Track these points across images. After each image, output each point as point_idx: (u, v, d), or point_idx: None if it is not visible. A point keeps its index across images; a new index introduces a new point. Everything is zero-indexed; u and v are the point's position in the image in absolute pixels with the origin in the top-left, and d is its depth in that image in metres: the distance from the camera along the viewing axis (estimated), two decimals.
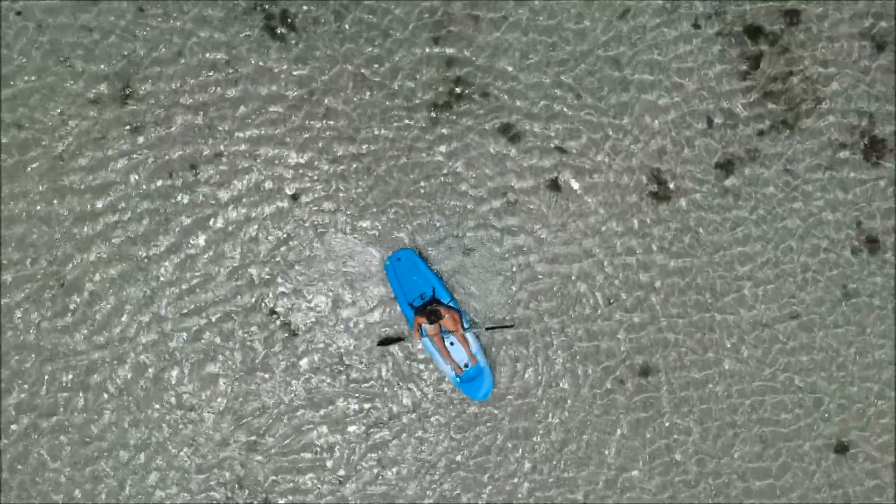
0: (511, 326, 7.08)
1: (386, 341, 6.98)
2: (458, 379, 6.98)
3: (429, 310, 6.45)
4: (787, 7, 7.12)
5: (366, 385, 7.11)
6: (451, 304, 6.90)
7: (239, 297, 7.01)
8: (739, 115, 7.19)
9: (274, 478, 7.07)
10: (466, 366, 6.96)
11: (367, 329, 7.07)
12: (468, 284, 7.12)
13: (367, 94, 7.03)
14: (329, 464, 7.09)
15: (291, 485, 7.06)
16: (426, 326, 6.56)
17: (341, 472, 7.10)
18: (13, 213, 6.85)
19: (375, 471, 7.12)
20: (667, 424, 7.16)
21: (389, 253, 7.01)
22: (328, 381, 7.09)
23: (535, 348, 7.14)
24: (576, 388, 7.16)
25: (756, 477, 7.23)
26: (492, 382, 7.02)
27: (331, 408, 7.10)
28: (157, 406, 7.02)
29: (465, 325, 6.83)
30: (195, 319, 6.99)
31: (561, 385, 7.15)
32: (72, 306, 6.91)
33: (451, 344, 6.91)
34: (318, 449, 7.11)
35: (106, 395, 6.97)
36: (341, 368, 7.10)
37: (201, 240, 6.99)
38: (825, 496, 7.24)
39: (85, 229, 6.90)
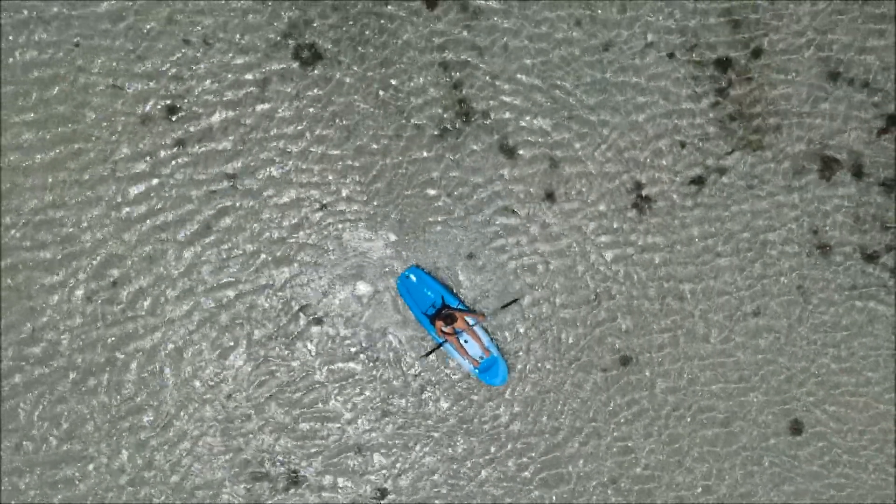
0: (517, 300, 8.12)
1: (427, 353, 8.08)
2: (476, 371, 8.05)
3: (443, 314, 7.54)
4: (752, 43, 8.14)
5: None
6: (459, 307, 7.94)
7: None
8: (709, 134, 8.21)
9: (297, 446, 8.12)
10: (482, 358, 8.01)
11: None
12: (475, 279, 8.15)
13: (381, 111, 8.02)
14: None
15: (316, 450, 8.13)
16: (444, 329, 7.62)
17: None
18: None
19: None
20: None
21: (398, 274, 8.04)
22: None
23: (536, 329, 8.20)
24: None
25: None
26: (506, 369, 8.09)
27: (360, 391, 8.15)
28: (199, 385, 8.05)
29: (472, 322, 7.87)
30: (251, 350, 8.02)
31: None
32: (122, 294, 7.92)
33: (466, 342, 7.95)
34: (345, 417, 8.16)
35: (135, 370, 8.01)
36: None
37: (247, 246, 8.00)
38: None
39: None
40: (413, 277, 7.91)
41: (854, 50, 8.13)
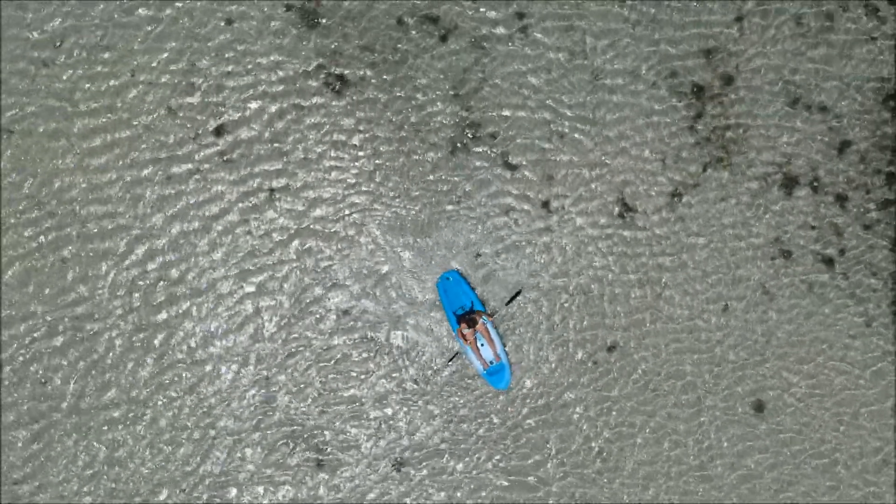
0: (520, 292, 9.04)
1: (452, 357, 9.05)
2: (485, 373, 9.01)
3: (468, 318, 8.60)
4: (724, 71, 9.19)
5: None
6: (482, 310, 8.94)
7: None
8: (686, 155, 9.25)
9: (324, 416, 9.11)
10: (492, 362, 8.93)
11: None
12: (481, 276, 9.18)
13: (401, 132, 9.05)
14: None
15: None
16: (466, 331, 8.65)
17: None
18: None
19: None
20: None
21: (440, 272, 9.06)
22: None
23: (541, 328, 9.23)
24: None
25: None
26: (510, 376, 9.05)
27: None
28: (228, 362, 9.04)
29: (485, 320, 8.82)
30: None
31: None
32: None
33: (482, 345, 8.88)
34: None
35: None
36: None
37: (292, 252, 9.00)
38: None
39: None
40: (451, 279, 8.94)
41: (813, 79, 9.19)
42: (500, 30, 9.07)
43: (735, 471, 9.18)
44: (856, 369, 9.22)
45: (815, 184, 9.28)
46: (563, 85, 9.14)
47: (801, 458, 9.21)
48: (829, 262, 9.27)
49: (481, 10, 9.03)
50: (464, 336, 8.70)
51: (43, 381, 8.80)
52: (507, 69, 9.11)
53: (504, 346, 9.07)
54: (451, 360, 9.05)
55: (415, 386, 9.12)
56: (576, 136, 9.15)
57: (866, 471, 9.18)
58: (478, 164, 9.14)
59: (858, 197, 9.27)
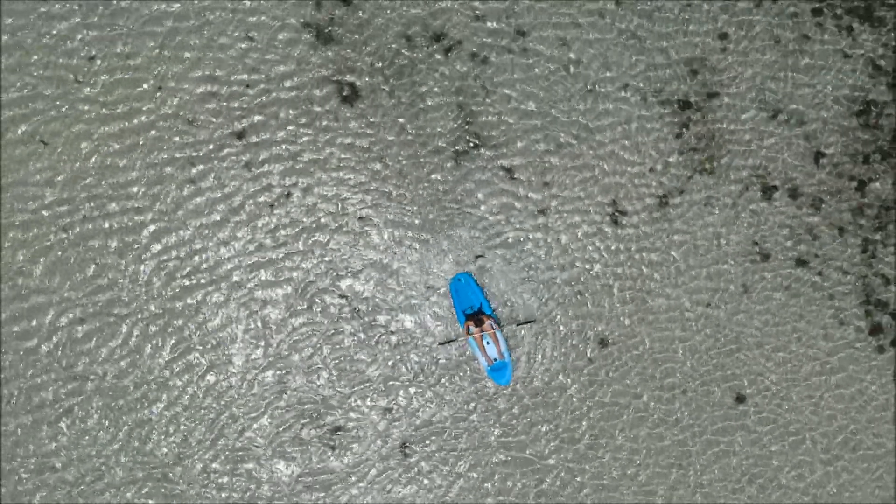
0: (533, 321, 9.77)
1: (446, 342, 9.68)
2: (488, 368, 9.70)
3: (476, 318, 9.40)
4: (708, 88, 10.00)
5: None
6: (491, 315, 9.60)
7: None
8: (673, 162, 10.09)
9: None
10: (496, 359, 9.66)
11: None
12: (483, 272, 10.08)
13: (407, 136, 9.90)
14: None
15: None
16: (473, 329, 9.45)
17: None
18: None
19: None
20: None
21: (453, 274, 9.68)
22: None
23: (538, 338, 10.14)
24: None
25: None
26: (512, 373, 9.79)
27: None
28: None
29: (494, 328, 9.55)
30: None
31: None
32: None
33: (487, 343, 9.52)
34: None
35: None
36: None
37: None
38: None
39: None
40: (463, 281, 9.65)
41: (790, 92, 9.95)
42: (501, 43, 9.85)
43: (711, 447, 10.14)
44: (825, 358, 10.11)
45: (792, 189, 10.10)
46: (558, 94, 9.94)
47: (774, 434, 10.14)
48: (803, 262, 10.12)
49: (484, 25, 9.82)
50: (470, 333, 9.52)
51: (71, 364, 9.41)
52: (506, 79, 9.83)
53: (508, 347, 9.86)
54: (445, 343, 9.68)
55: (418, 369, 9.85)
56: (570, 141, 9.90)
57: (832, 447, 10.12)
58: (477, 166, 9.82)
59: (832, 201, 10.09)
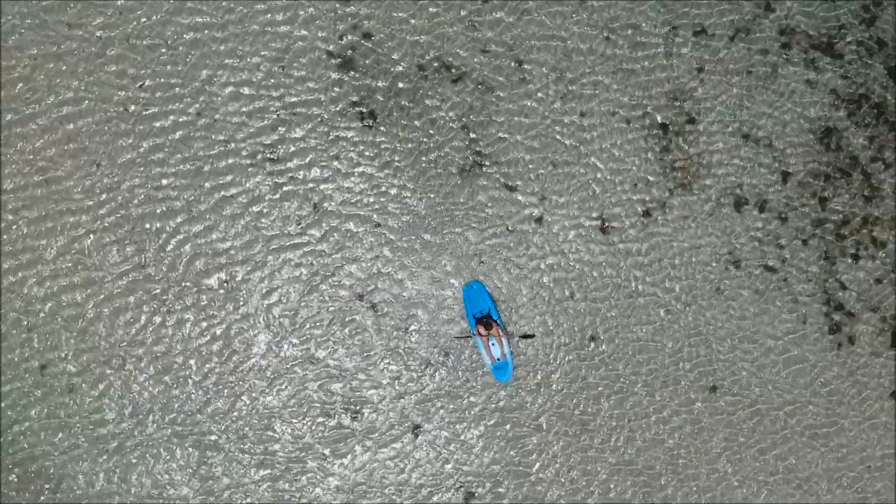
0: (532, 336, 10.57)
1: (460, 337, 10.40)
2: (492, 366, 10.44)
3: (485, 322, 10.12)
4: (686, 113, 11.17)
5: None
6: (498, 320, 10.34)
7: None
8: (654, 182, 11.24)
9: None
10: (499, 359, 10.49)
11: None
12: (480, 271, 11.23)
13: (422, 157, 11.05)
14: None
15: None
16: (481, 331, 10.20)
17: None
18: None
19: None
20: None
21: (467, 281, 10.42)
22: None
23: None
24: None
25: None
26: (512, 373, 10.55)
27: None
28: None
29: (501, 334, 10.47)
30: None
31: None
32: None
33: (493, 344, 10.29)
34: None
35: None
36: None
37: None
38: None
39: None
40: (475, 288, 10.44)
41: (760, 119, 11.10)
42: (503, 75, 11.02)
43: (690, 424, 11.27)
44: (790, 352, 11.29)
45: (762, 205, 11.27)
46: (555, 120, 11.11)
47: (745, 415, 11.29)
48: (772, 269, 11.30)
49: (490, 60, 10.97)
50: (479, 334, 10.53)
51: (107, 335, 10.26)
52: (509, 106, 10.93)
53: (511, 349, 10.60)
54: (461, 338, 10.58)
55: (429, 359, 10.70)
56: (566, 160, 11.09)
57: (798, 425, 11.24)
58: (482, 183, 10.90)
59: (797, 216, 11.26)
